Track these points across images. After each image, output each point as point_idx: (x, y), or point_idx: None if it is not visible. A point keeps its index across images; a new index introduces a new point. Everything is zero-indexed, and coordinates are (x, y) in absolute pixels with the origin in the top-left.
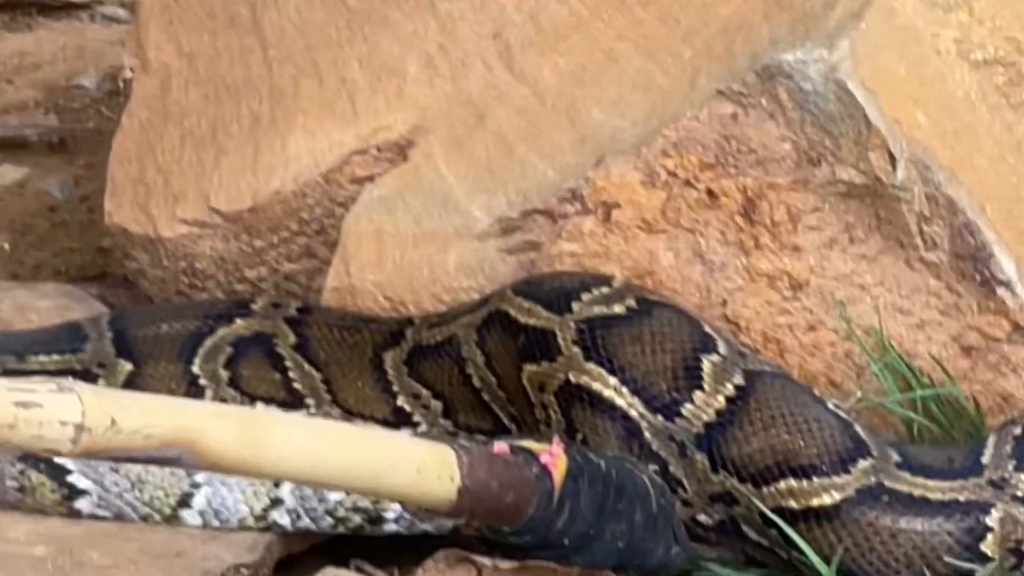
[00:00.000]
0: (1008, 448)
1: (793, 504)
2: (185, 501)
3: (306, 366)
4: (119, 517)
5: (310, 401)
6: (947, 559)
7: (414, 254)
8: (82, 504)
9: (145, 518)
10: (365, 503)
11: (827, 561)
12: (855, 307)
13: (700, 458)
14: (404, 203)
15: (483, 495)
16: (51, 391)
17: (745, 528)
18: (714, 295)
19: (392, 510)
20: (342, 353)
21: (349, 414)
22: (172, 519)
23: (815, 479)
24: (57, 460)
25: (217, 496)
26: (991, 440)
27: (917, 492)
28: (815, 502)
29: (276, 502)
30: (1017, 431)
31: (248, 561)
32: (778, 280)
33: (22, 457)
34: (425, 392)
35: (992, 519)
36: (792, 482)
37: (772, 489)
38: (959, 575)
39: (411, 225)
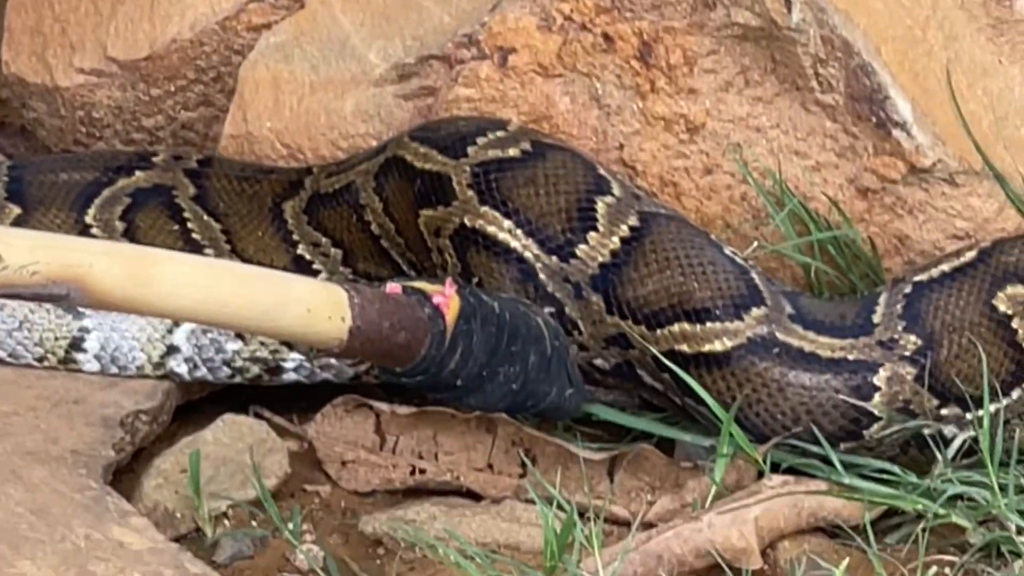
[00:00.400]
0: (899, 308)
1: (685, 348)
2: (77, 345)
3: (205, 217)
4: (14, 357)
5: (209, 252)
6: (834, 416)
7: (311, 101)
8: None
9: (40, 360)
10: (263, 353)
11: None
12: (751, 150)
13: (595, 299)
14: (301, 50)
15: (374, 335)
16: None
17: (640, 372)
18: (611, 139)
19: (291, 359)
20: (241, 204)
21: (249, 264)
22: (68, 362)
23: (708, 323)
24: None
25: (111, 341)
26: (883, 298)
27: (808, 347)
28: (707, 347)
29: (172, 350)
30: (908, 289)
31: (147, 407)
32: (674, 124)
33: None
34: (325, 240)
35: (880, 379)
36: (685, 326)
37: (666, 332)
38: (846, 433)
39: (308, 72)
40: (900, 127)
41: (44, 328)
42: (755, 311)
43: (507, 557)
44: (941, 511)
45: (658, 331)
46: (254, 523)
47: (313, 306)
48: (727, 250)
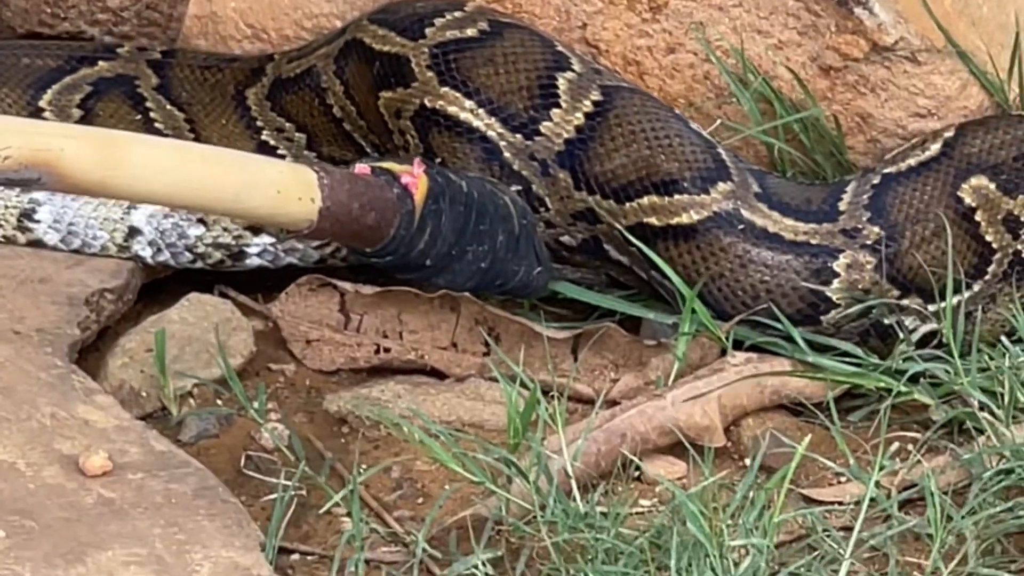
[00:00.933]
0: (865, 198)
1: (654, 221)
2: (29, 215)
3: (168, 106)
4: None
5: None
6: (793, 298)
7: None
8: None
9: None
10: (226, 239)
11: (684, 282)
12: (714, 28)
13: (563, 176)
14: None
15: (344, 216)
16: None
17: (607, 247)
18: (573, 18)
19: (255, 244)
20: (204, 93)
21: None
22: (24, 231)
23: (676, 196)
24: None
25: (64, 215)
26: (851, 187)
27: (772, 227)
28: (675, 220)
29: (134, 232)
30: (876, 180)
31: (113, 286)
32: (637, 2)
33: None
34: (288, 125)
35: (839, 265)
36: (654, 198)
37: (634, 205)
38: (804, 317)
39: None
40: (862, 5)
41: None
42: (721, 185)
43: (471, 435)
44: (904, 389)
45: (626, 204)
46: (219, 402)
47: (283, 187)
48: (692, 124)
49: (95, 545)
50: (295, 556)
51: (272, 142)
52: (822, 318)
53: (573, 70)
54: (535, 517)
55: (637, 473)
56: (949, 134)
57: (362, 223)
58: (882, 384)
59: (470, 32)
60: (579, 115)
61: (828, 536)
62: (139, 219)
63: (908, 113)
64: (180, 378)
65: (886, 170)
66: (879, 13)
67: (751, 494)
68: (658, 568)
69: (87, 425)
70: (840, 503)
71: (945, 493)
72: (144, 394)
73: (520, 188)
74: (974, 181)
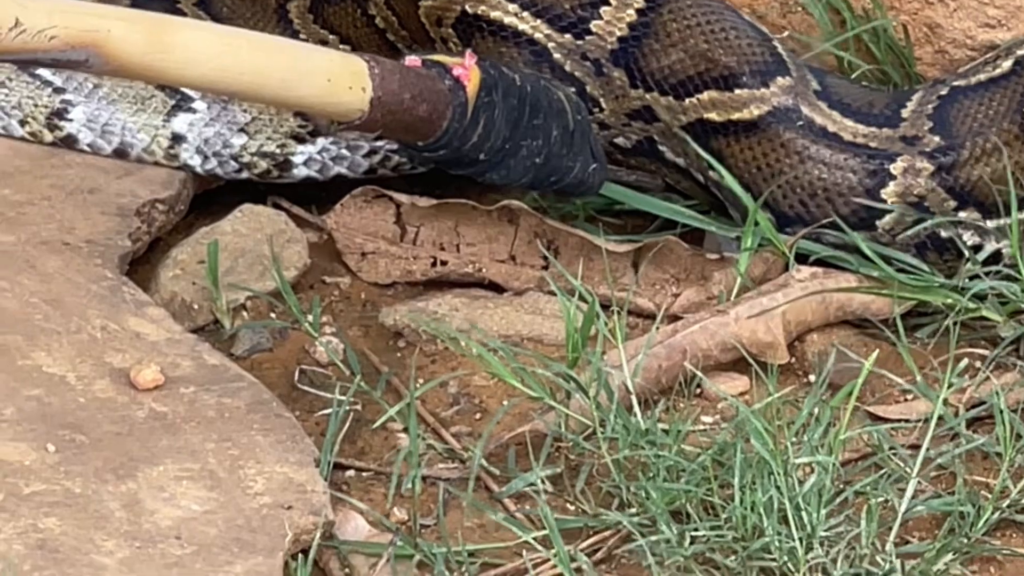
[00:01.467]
0: (930, 108)
1: (714, 116)
2: (61, 114)
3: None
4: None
5: None
6: (849, 198)
7: None
8: None
9: (23, 124)
10: (271, 147)
11: (741, 182)
12: None
13: (617, 74)
14: None
15: (395, 107)
16: None
17: (662, 147)
18: None
19: (300, 153)
20: (246, 7)
21: None
22: (54, 129)
23: (736, 90)
24: None
25: (99, 116)
26: (916, 96)
27: (831, 127)
28: (735, 115)
29: (178, 139)
30: (943, 91)
31: (164, 196)
32: None
33: None
34: (332, 37)
35: (896, 168)
36: (714, 93)
37: (693, 101)
38: (859, 220)
39: None
40: None
41: (22, 94)
42: (780, 80)
43: (530, 350)
44: (971, 305)
45: (686, 100)
46: (273, 315)
47: (333, 76)
48: (747, 17)
49: (146, 460)
50: (350, 472)
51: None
52: (876, 223)
53: None
54: (595, 433)
55: (699, 390)
56: (1021, 51)
57: (414, 114)
58: (949, 300)
59: None
60: (631, 11)
61: (894, 454)
62: (181, 126)
63: (977, 23)
64: (233, 291)
65: (955, 83)
66: None
67: (816, 411)
68: (721, 486)
69: (138, 338)
70: (907, 421)
71: (1014, 411)
72: (196, 307)
73: (574, 90)
74: None
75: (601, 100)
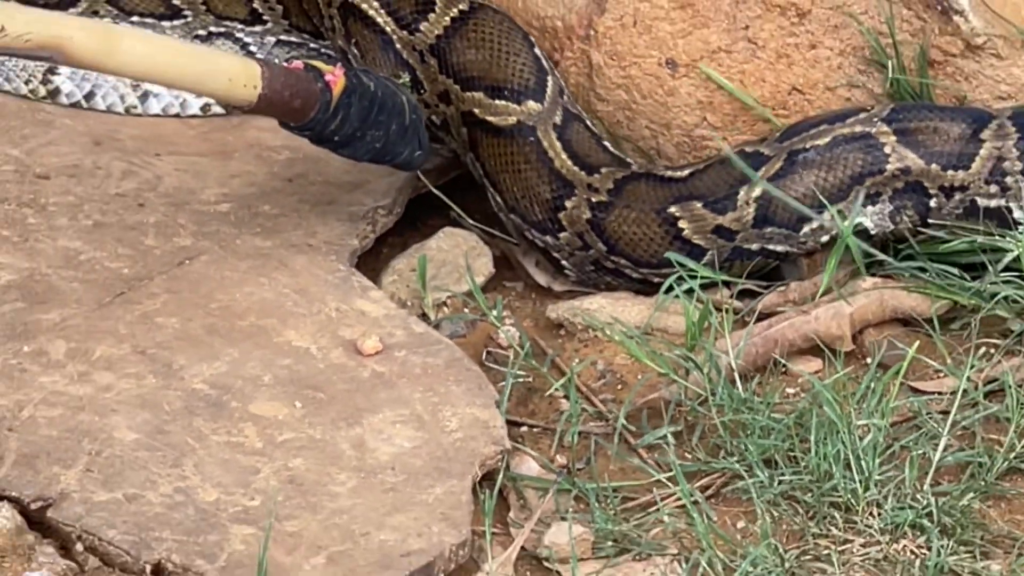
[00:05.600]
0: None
1: (477, 112)
2: (52, 71)
3: None
4: (8, 80)
5: (188, 13)
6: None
7: None
8: None
9: (27, 83)
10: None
11: (484, 169)
12: (846, 31)
13: (432, 62)
14: None
15: (276, 100)
16: None
17: (452, 128)
18: (739, 21)
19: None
20: None
21: (219, 18)
22: (46, 83)
23: (497, 100)
24: None
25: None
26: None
27: (551, 153)
28: (489, 117)
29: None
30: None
31: (384, 203)
32: (787, 9)
33: None
34: (275, 3)
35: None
36: (481, 95)
37: (469, 95)
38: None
39: None
40: (959, 14)
41: (15, 63)
42: (531, 104)
43: (658, 337)
44: (989, 306)
45: (466, 93)
46: (466, 310)
47: (233, 76)
48: (537, 50)
49: (369, 410)
50: (523, 428)
51: (260, 10)
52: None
53: None
54: (707, 400)
55: (784, 369)
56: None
57: (290, 106)
58: (973, 302)
59: None
60: (447, 19)
61: (930, 418)
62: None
63: (992, 96)
64: (437, 291)
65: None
66: (972, 20)
67: (872, 385)
68: (800, 441)
69: (363, 315)
70: (940, 393)
71: (1020, 386)
72: (409, 303)
73: (409, 76)
74: None
75: (424, 83)
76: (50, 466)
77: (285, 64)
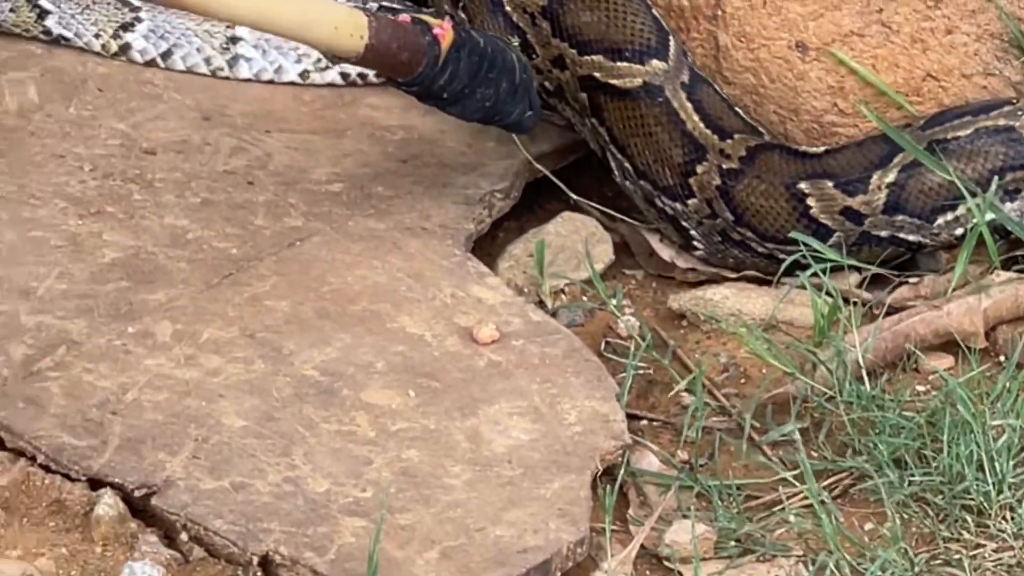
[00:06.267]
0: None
1: (598, 76)
2: (127, 27)
3: None
4: (78, 36)
5: None
6: None
7: None
8: (50, 23)
9: (97, 36)
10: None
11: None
12: (983, 15)
13: (544, 25)
14: None
15: (383, 52)
16: None
17: (567, 93)
18: (872, 4)
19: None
20: None
21: None
22: (117, 37)
23: (619, 62)
24: None
25: (159, 28)
26: None
27: (682, 114)
28: (613, 80)
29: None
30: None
31: (501, 187)
32: None
33: None
34: None
35: None
36: (601, 58)
37: (587, 59)
38: None
39: None
40: None
41: (101, 13)
42: (656, 63)
43: (783, 330)
44: None
45: (583, 57)
46: (585, 298)
47: (339, 25)
48: (655, 11)
49: (485, 400)
50: (643, 422)
51: None
52: None
53: None
54: (834, 397)
55: (915, 366)
56: None
57: (397, 59)
58: None
59: None
60: None
61: None
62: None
63: None
64: (554, 278)
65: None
66: None
67: (1007, 384)
68: (931, 440)
69: (479, 302)
70: None
71: None
72: (526, 290)
73: (519, 41)
74: None
75: (536, 47)
76: (155, 452)
77: (391, 16)
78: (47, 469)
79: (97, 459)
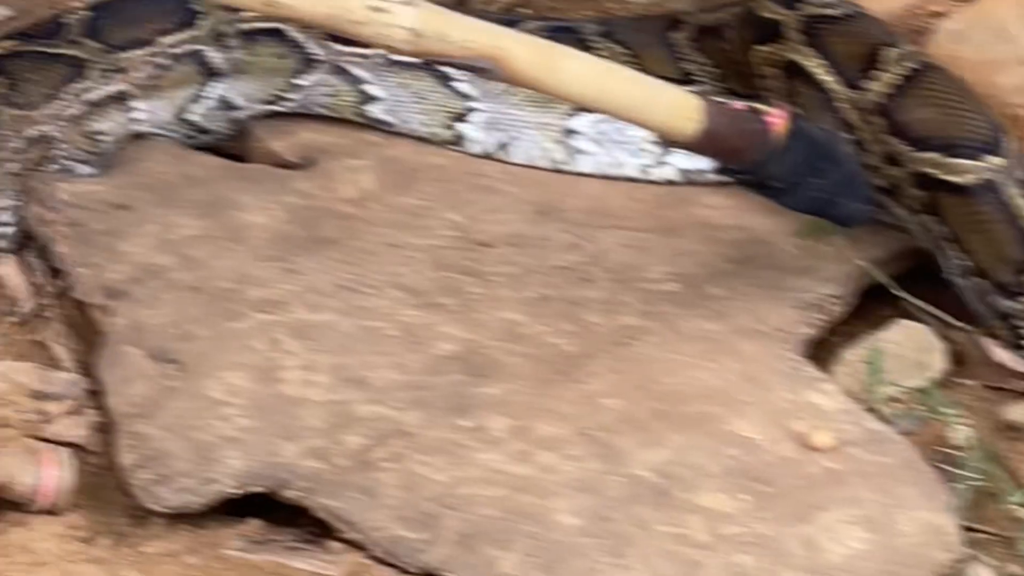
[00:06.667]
0: None
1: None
2: (460, 118)
3: (613, 46)
4: (404, 123)
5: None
6: None
7: None
8: (373, 108)
9: (426, 129)
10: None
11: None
12: None
13: (877, 120)
14: None
15: (718, 137)
16: (400, 3)
17: (902, 192)
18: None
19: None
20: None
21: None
22: (449, 128)
23: (959, 159)
24: (355, 72)
25: (494, 113)
26: None
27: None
28: (949, 177)
29: (572, 132)
30: None
31: (838, 292)
32: None
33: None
34: (709, 65)
35: None
36: (935, 155)
37: (922, 156)
38: None
39: None
40: None
41: (435, 103)
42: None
43: None
44: None
45: (917, 154)
46: (918, 407)
47: (675, 107)
48: (989, 113)
49: (819, 508)
50: (975, 534)
51: (691, 69)
52: None
53: (898, 47)
54: None
55: None
56: None
57: (731, 145)
58: None
59: (829, 12)
60: (896, 76)
61: None
62: (578, 123)
63: None
64: (888, 386)
65: None
66: None
67: None
68: None
69: (814, 408)
70: None
71: None
72: (859, 397)
73: (850, 137)
74: None
75: (866, 143)
76: (489, 548)
77: (723, 101)
78: (381, 561)
79: (432, 553)
